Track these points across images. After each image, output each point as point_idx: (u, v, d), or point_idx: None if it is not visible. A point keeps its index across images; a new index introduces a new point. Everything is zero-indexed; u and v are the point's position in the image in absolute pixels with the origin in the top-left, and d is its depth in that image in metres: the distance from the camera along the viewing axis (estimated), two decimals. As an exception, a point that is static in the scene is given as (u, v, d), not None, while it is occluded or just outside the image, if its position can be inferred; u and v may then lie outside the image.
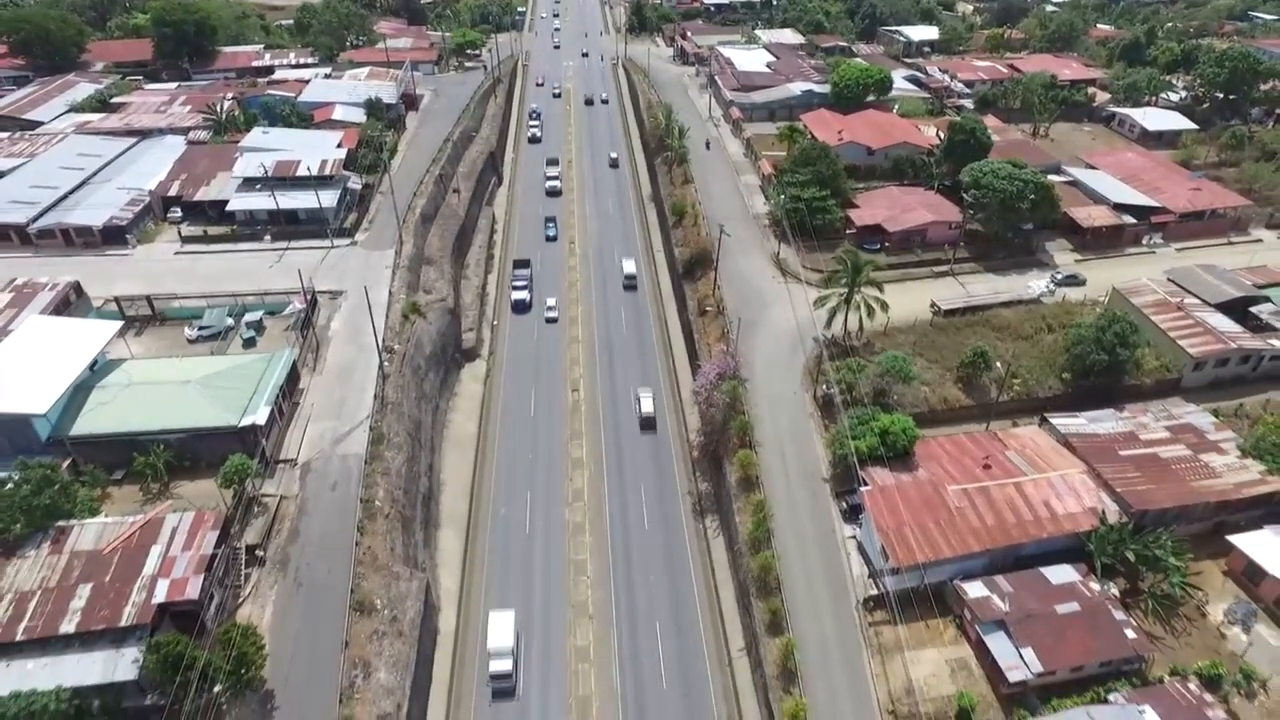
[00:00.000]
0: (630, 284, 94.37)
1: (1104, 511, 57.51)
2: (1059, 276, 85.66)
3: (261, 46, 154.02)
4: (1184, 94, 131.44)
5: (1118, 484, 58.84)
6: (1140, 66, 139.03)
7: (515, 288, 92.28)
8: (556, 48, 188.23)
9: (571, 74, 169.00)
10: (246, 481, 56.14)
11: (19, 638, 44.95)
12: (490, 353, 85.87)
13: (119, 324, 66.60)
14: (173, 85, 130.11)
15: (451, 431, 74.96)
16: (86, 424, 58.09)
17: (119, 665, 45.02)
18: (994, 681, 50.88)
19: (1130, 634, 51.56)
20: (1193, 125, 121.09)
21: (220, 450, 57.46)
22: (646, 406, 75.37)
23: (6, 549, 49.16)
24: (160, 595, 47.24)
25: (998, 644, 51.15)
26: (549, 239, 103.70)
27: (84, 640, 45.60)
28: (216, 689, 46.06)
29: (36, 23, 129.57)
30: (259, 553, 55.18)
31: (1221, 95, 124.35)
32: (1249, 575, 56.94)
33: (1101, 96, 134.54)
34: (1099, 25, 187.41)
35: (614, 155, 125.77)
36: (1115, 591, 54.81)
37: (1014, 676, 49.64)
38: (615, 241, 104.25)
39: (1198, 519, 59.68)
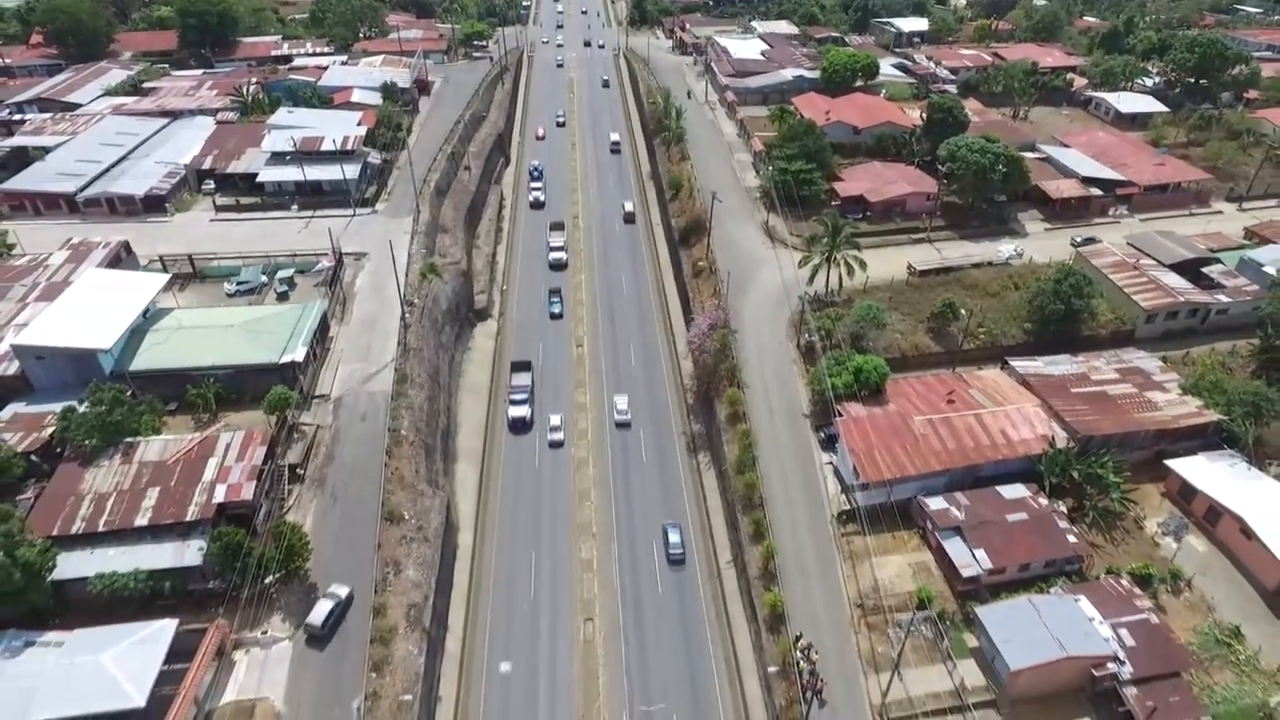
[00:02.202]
0: (629, 219, 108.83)
1: (1054, 438, 64.28)
2: (1078, 240, 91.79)
3: (280, 37, 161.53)
4: (1157, 79, 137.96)
5: (1067, 414, 65.63)
6: (1119, 54, 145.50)
7: (513, 401, 76.50)
8: (560, 45, 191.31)
9: (575, 63, 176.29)
10: (287, 410, 63.08)
11: (101, 529, 51.97)
12: (500, 314, 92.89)
13: (167, 277, 73.68)
14: (199, 72, 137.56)
15: (466, 380, 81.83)
16: (143, 360, 65.12)
17: (186, 553, 52.04)
18: (951, 580, 57.64)
19: (1072, 539, 58.37)
20: (1164, 108, 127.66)
21: (262, 385, 64.35)
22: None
23: (84, 459, 56.17)
24: (219, 496, 54.25)
25: (954, 547, 57.95)
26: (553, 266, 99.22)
27: (155, 533, 52.62)
28: (269, 579, 53.08)
29: (70, 13, 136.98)
30: (300, 471, 62.24)
31: (1192, 80, 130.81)
32: (1183, 494, 63.69)
33: (1080, 82, 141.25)
34: (1085, 18, 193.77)
35: (615, 138, 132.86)
36: (1063, 508, 61.57)
37: (967, 573, 56.44)
38: (616, 212, 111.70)
39: (1140, 447, 66.39)
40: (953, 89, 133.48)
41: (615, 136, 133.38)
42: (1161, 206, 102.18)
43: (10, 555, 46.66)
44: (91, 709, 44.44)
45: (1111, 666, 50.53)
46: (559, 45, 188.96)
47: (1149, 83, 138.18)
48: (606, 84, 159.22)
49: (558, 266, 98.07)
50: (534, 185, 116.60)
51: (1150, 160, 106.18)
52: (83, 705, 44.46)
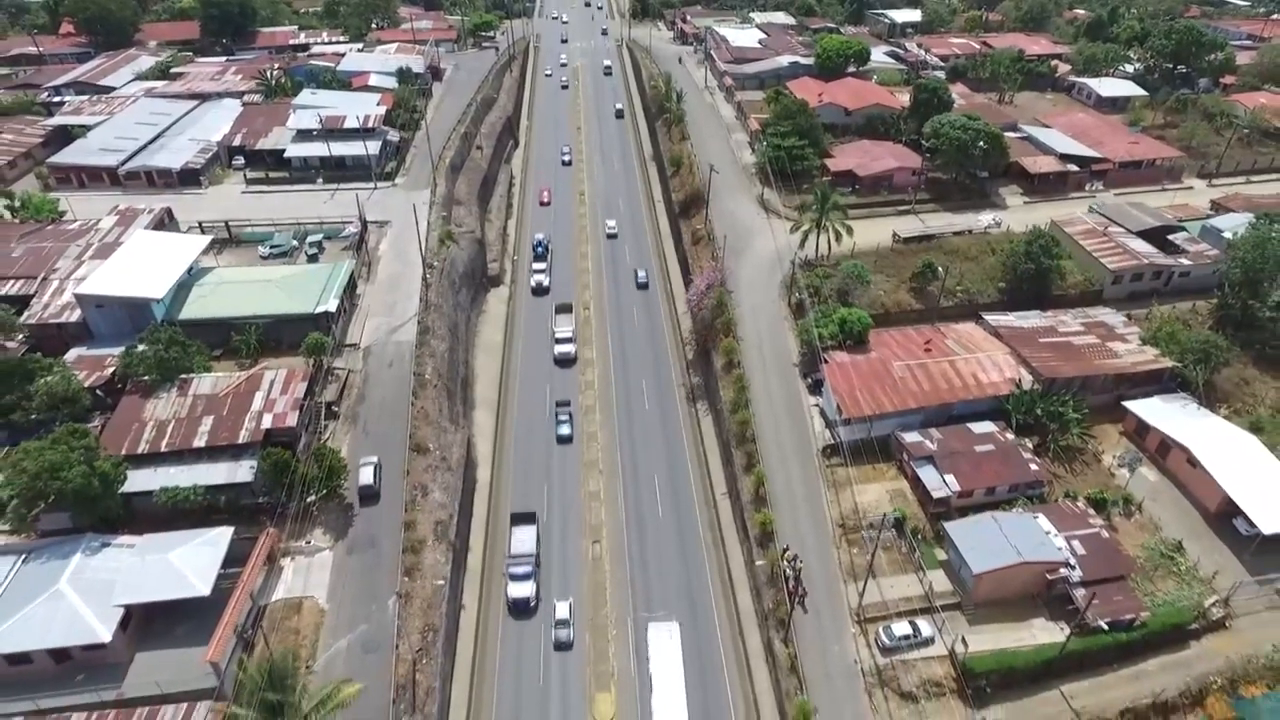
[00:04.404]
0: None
1: (1020, 380, 70.51)
2: (1096, 205, 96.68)
3: (296, 27, 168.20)
4: (1138, 65, 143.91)
5: (1033, 360, 71.84)
6: (1103, 43, 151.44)
7: (513, 575, 60.75)
8: (564, 41, 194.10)
9: (579, 53, 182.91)
10: (323, 354, 69.42)
11: (163, 450, 58.37)
12: (511, 281, 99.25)
13: (209, 238, 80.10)
14: (223, 59, 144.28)
15: (482, 339, 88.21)
16: (191, 311, 71.59)
17: (238, 471, 58.46)
18: (924, 503, 63.88)
19: (1034, 467, 64.57)
20: (1143, 92, 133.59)
21: (299, 333, 70.70)
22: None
23: (145, 392, 62.61)
24: (267, 423, 60.64)
25: (927, 474, 64.21)
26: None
27: (211, 454, 59.05)
28: (311, 497, 59.44)
29: (99, 3, 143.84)
30: (335, 409, 68.66)
31: (1171, 66, 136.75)
32: (1138, 432, 69.90)
33: (1064, 68, 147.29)
34: (1074, 9, 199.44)
35: (619, 106, 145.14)
36: (1029, 445, 67.71)
37: (937, 494, 62.69)
38: (619, 192, 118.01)
39: (1101, 391, 72.55)
40: (941, 75, 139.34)
41: (619, 105, 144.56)
42: (1135, 182, 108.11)
43: (89, 466, 53.04)
44: (164, 596, 50.85)
45: (1064, 571, 56.76)
46: (562, 41, 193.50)
47: (1130, 69, 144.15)
48: (609, 71, 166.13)
49: (564, 362, 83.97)
50: (536, 267, 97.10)
51: (1125, 138, 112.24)
52: (157, 593, 50.84)
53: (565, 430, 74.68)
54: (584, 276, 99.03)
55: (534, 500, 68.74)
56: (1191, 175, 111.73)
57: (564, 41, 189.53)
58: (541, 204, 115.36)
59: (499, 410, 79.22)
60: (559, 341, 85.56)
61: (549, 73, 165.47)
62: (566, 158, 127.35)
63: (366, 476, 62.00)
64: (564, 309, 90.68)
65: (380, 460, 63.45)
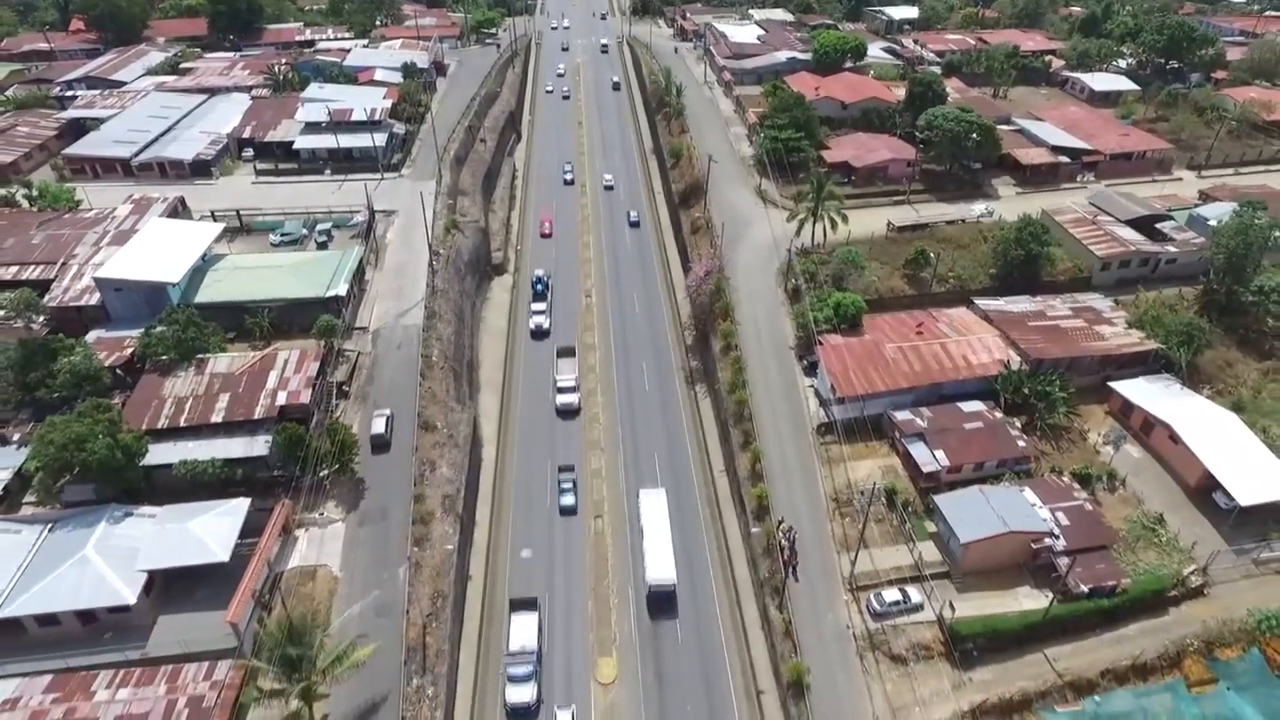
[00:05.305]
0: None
1: (1009, 361, 72.74)
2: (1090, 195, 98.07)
3: (302, 24, 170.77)
4: (1130, 61, 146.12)
5: (1021, 342, 74.09)
6: (1096, 38, 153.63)
7: (512, 677, 54.20)
8: (564, 49, 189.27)
9: (580, 50, 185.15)
10: (334, 335, 71.70)
11: (182, 424, 60.74)
12: (515, 270, 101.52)
13: (222, 226, 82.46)
14: (231, 54, 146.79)
15: (487, 325, 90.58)
16: (205, 294, 73.92)
17: (254, 445, 60.80)
18: (914, 479, 66.02)
19: (1021, 443, 66.81)
20: (1135, 87, 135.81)
21: (311, 316, 72.96)
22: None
23: (163, 371, 64.98)
24: (281, 400, 62.96)
25: (917, 450, 66.41)
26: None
27: (228, 429, 61.41)
28: (324, 472, 61.75)
29: (110, 0, 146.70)
30: (345, 388, 70.98)
31: (1163, 61, 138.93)
32: (1123, 411, 72.14)
33: (1058, 64, 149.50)
34: (1069, 6, 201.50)
35: (615, 79, 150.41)
36: (1017, 424, 69.91)
37: (928, 469, 64.90)
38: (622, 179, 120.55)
39: (1088, 372, 74.72)
40: (937, 70, 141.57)
41: (615, 78, 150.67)
42: (1125, 173, 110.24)
43: (113, 438, 55.37)
44: (185, 562, 53.23)
45: (1048, 541, 59.03)
46: (563, 49, 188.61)
47: (1123, 64, 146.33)
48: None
49: (567, 413, 78.19)
50: (535, 308, 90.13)
51: (1115, 130, 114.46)
52: (178, 559, 53.26)
53: (569, 500, 67.51)
54: (586, 266, 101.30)
55: (537, 488, 70.42)
56: (1181, 167, 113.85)
57: (564, 50, 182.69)
58: (543, 235, 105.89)
59: (503, 392, 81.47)
60: (561, 391, 78.38)
61: (549, 88, 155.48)
62: (569, 176, 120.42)
63: (379, 426, 66.45)
64: (566, 353, 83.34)
65: (393, 412, 67.99)
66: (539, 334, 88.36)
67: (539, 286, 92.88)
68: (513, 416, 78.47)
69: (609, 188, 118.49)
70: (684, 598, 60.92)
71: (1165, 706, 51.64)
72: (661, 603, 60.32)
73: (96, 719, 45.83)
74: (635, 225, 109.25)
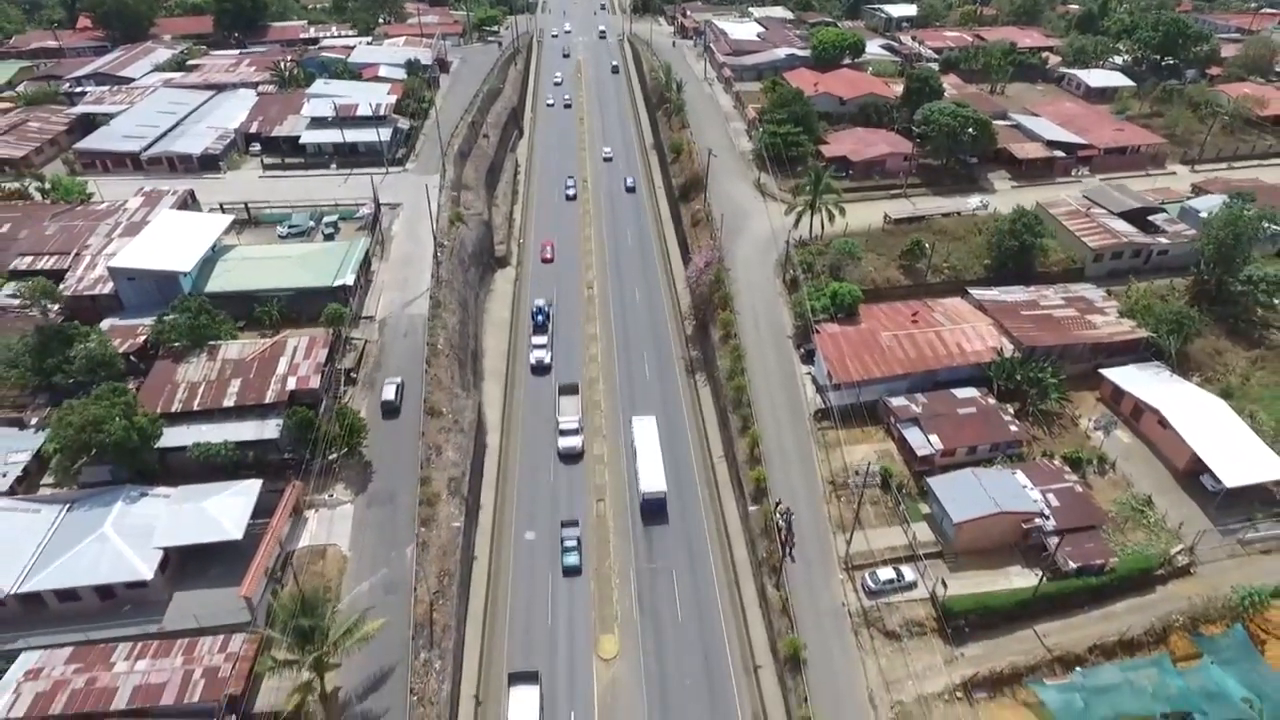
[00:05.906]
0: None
1: (1002, 348, 74.29)
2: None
3: (305, 22, 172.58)
4: (1126, 57, 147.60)
5: (1014, 330, 75.64)
6: (1093, 35, 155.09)
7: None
8: (565, 56, 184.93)
9: (581, 47, 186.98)
10: (342, 323, 73.37)
11: (195, 408, 62.40)
12: (518, 263, 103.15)
13: (231, 217, 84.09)
14: (237, 51, 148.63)
15: (490, 316, 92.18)
16: (216, 284, 75.57)
17: (265, 429, 62.42)
18: (909, 462, 67.67)
19: (1014, 428, 68.36)
20: (1130, 83, 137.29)
21: (318, 306, 74.54)
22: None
23: (176, 357, 66.67)
24: (291, 385, 64.58)
25: (912, 434, 68.02)
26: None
27: (239, 413, 63.05)
28: (333, 455, 63.39)
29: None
30: (353, 375, 72.60)
31: (1158, 57, 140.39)
32: (1114, 397, 73.70)
33: (1055, 60, 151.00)
34: (1066, 4, 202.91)
35: (615, 62, 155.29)
36: (1009, 409, 71.45)
37: (922, 452, 66.49)
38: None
39: (1080, 360, 76.26)
40: (935, 66, 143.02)
41: (615, 62, 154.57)
42: (1120, 168, 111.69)
43: (129, 420, 57.01)
44: (200, 539, 54.86)
45: (1039, 521, 60.59)
46: (564, 56, 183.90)
47: (1119, 60, 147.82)
48: (616, 70, 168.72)
49: (570, 457, 73.15)
50: (536, 342, 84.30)
51: (1110, 126, 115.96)
52: (193, 537, 54.88)
53: (573, 560, 62.68)
54: (588, 258, 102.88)
55: (541, 476, 71.83)
56: (1175, 161, 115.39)
57: (565, 56, 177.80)
58: (544, 260, 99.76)
59: (506, 380, 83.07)
60: (564, 433, 73.51)
61: (550, 101, 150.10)
62: (571, 191, 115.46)
63: (389, 394, 69.50)
64: (568, 390, 78.03)
65: (403, 380, 71.18)
66: (540, 369, 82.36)
67: (539, 317, 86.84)
68: (515, 408, 79.87)
69: (608, 159, 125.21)
70: (683, 577, 62.54)
71: (1151, 679, 53.27)
72: (655, 511, 66.39)
73: (116, 688, 47.42)
74: (632, 190, 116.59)
